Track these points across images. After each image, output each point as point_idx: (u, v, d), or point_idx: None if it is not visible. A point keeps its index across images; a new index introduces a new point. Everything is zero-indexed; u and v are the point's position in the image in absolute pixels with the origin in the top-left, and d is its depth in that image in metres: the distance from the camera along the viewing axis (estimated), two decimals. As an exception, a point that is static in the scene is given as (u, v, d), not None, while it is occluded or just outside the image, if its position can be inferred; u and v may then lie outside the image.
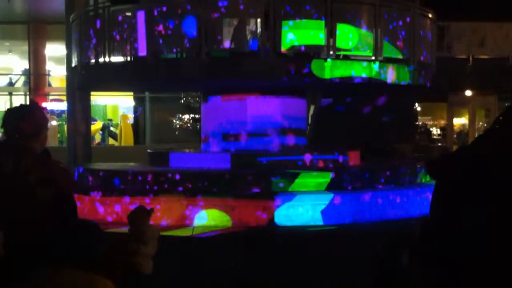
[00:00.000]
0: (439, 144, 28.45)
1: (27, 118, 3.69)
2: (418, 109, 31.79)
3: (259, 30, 12.28)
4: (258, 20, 12.23)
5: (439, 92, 21.47)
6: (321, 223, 10.42)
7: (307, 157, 12.43)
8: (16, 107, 4.02)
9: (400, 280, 3.72)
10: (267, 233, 9.83)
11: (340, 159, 12.88)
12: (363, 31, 12.48)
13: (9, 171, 3.54)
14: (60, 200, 3.60)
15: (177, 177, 11.19)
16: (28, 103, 23.92)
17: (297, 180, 11.07)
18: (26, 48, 23.92)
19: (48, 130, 3.84)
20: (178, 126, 26.04)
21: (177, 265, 7.38)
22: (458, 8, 19.51)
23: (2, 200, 3.50)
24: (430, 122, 37.34)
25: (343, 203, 10.67)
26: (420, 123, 32.87)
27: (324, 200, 10.59)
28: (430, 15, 13.19)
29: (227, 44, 12.52)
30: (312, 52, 11.95)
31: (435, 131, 34.63)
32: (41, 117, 3.78)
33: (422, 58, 12.94)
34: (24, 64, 25.24)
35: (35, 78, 24.12)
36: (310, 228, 10.15)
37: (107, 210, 10.94)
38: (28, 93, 24.43)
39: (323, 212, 10.49)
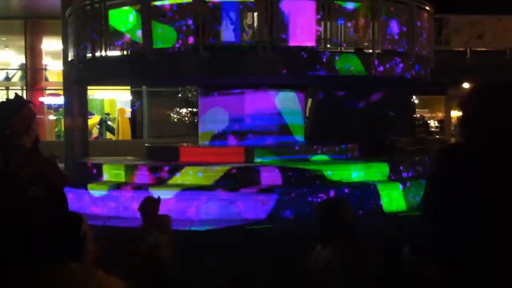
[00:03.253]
0: (437, 136, 28.50)
1: (16, 115, 3.66)
2: (416, 101, 31.82)
3: (256, 24, 12.23)
4: (255, 14, 12.18)
5: (437, 85, 21.46)
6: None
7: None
8: (2, 103, 3.99)
9: (400, 279, 3.72)
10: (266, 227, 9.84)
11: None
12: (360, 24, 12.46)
13: (0, 168, 3.52)
14: (52, 195, 3.59)
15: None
16: (29, 99, 23.90)
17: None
18: (23, 43, 23.86)
19: (36, 125, 3.82)
20: (175, 120, 26.00)
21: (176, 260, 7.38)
22: (456, 1, 19.48)
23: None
24: (428, 115, 37.38)
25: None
26: (417, 115, 32.92)
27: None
28: (428, 8, 13.16)
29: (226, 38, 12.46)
30: (310, 46, 11.89)
31: (433, 123, 34.68)
32: (29, 113, 3.75)
33: (419, 51, 12.92)
34: (21, 59, 25.17)
35: (32, 73, 24.06)
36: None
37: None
38: (25, 87, 24.37)
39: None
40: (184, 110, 25.98)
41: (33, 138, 3.74)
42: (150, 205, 5.34)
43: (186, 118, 25.78)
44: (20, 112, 3.69)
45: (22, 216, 3.43)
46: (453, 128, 26.55)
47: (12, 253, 3.22)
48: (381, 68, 11.97)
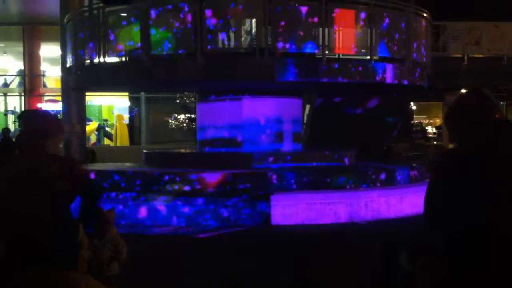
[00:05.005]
0: (435, 142, 28.54)
1: (40, 119, 3.80)
2: (414, 108, 31.89)
3: (254, 30, 12.27)
4: (254, 20, 12.22)
5: (435, 91, 21.51)
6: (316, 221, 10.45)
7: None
8: (31, 111, 4.18)
9: (399, 280, 3.72)
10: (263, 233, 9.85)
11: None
12: (358, 30, 12.51)
13: (26, 167, 3.60)
14: (74, 192, 3.67)
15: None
16: (23, 105, 23.98)
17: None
18: (21, 49, 23.89)
19: (56, 138, 3.88)
20: (173, 126, 26.01)
21: (170, 266, 7.39)
22: (453, 8, 19.54)
23: (21, 193, 3.53)
24: (426, 121, 37.45)
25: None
26: (415, 122, 32.97)
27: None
28: (425, 15, 13.22)
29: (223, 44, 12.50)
30: (308, 53, 11.94)
31: (431, 130, 34.74)
32: (52, 121, 3.87)
33: (417, 57, 12.96)
34: (19, 65, 25.20)
35: (30, 79, 24.07)
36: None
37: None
38: (23, 94, 24.38)
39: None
40: (182, 116, 26.00)
41: (57, 146, 3.83)
42: (107, 215, 5.40)
43: (184, 124, 25.80)
44: (43, 119, 3.81)
45: (32, 219, 3.47)
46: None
47: (18, 256, 3.24)
48: (379, 75, 12.02)
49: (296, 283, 5.25)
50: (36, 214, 3.44)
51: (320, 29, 11.58)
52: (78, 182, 3.70)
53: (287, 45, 11.55)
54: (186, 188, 11.09)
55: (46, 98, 24.96)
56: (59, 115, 18.58)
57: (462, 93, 3.24)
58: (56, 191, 3.54)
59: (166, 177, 11.31)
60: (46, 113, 4.04)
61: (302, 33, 11.57)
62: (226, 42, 12.08)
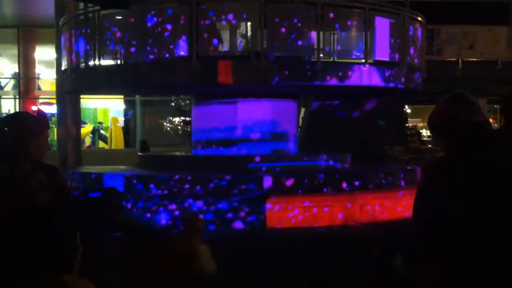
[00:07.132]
0: (429, 145, 28.57)
1: (15, 125, 3.70)
2: (408, 111, 31.96)
3: (249, 33, 12.29)
4: (249, 23, 12.25)
5: (429, 95, 21.54)
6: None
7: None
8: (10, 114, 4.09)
9: (397, 282, 3.74)
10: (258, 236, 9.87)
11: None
12: (353, 34, 12.56)
13: (8, 176, 3.54)
14: (60, 203, 3.61)
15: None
16: (18, 107, 23.92)
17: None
18: (15, 52, 23.80)
19: (41, 137, 3.77)
20: (169, 129, 25.98)
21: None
22: (448, 12, 19.60)
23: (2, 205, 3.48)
24: (420, 124, 37.50)
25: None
26: (410, 125, 33.02)
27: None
28: (420, 19, 13.27)
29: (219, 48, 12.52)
30: (303, 56, 11.97)
31: (425, 133, 34.79)
32: (31, 124, 3.75)
33: (412, 61, 13.01)
34: (14, 68, 25.11)
35: (25, 82, 24.01)
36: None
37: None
38: (17, 96, 24.32)
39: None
40: (177, 119, 25.98)
41: (40, 150, 3.72)
42: (197, 219, 5.40)
43: (179, 127, 25.77)
44: (18, 123, 3.70)
45: (28, 223, 3.44)
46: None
47: (15, 261, 3.23)
48: (374, 78, 12.05)
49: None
50: (21, 220, 3.39)
51: (315, 33, 11.63)
52: (60, 193, 3.59)
53: (282, 49, 11.59)
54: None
55: (40, 100, 24.89)
56: (53, 118, 18.59)
57: (445, 98, 3.24)
58: (38, 202, 3.45)
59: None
60: (24, 116, 3.90)
61: (297, 37, 11.60)
62: (221, 45, 12.11)
